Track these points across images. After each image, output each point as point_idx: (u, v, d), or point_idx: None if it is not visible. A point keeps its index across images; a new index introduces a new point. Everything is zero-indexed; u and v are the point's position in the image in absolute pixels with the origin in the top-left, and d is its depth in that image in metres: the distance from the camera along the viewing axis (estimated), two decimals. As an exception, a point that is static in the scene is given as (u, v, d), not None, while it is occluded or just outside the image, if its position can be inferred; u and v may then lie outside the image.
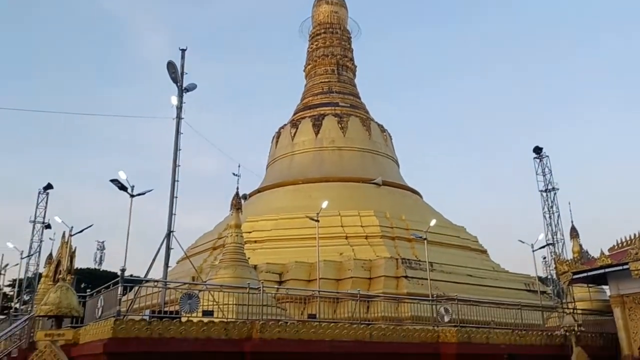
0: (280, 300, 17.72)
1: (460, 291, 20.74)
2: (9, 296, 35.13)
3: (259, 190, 32.23)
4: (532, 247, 23.22)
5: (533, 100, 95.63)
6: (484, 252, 30.93)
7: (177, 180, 15.34)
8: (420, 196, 34.12)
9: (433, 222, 23.00)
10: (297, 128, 33.28)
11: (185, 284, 15.75)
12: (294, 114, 35.30)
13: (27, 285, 29.53)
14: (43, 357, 9.76)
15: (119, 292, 11.91)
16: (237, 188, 18.28)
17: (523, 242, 23.77)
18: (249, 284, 14.28)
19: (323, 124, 32.59)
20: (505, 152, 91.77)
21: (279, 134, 34.64)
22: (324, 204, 21.23)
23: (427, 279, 20.74)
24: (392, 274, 23.32)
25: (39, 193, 29.81)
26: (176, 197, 15.23)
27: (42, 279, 21.52)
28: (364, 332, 13.84)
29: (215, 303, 13.34)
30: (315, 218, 20.60)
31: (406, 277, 23.12)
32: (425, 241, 21.24)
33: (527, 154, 36.48)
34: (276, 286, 20.23)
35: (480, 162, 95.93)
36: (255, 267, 20.53)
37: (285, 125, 34.58)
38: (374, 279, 23.28)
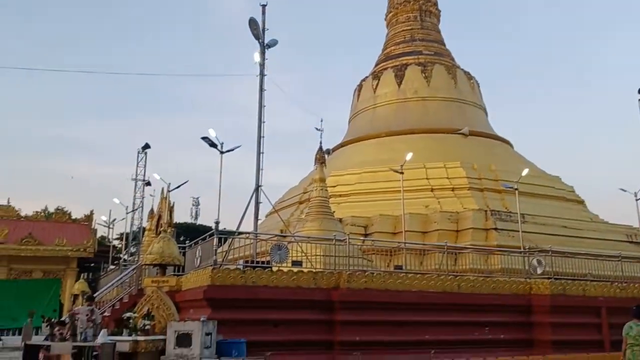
0: (366, 252, 17.96)
1: (555, 243, 19.82)
2: (117, 248, 38.45)
3: (342, 145, 32.31)
4: (636, 195, 21.70)
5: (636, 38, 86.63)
6: (581, 202, 29.22)
7: (263, 137, 15.75)
8: (511, 145, 32.58)
9: (525, 172, 21.98)
10: (378, 80, 32.63)
11: (275, 235, 16.36)
12: (376, 66, 34.58)
13: (133, 238, 32.08)
14: (151, 301, 10.68)
15: (214, 243, 12.66)
16: (320, 143, 18.46)
17: (625, 191, 22.22)
18: (335, 235, 14.59)
19: (406, 75, 31.67)
20: (603, 94, 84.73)
21: (360, 86, 34.19)
22: (409, 156, 20.93)
23: (518, 231, 20.06)
24: (481, 226, 22.76)
25: (138, 153, 31.83)
26: (262, 153, 15.69)
27: (146, 232, 23.29)
28: (452, 283, 13.77)
29: (303, 254, 13.81)
30: (400, 171, 20.40)
31: (496, 229, 22.48)
32: (517, 192, 20.40)
33: (630, 95, 33.42)
34: (362, 238, 20.47)
35: (577, 107, 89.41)
36: (340, 220, 20.85)
37: (366, 77, 34.01)
38: (461, 232, 22.87)
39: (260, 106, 15.68)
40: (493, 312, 13.96)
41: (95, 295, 18.37)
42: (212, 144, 16.35)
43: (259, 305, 11.85)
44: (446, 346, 12.88)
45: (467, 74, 33.33)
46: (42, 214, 34.85)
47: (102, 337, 8.98)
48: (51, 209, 35.24)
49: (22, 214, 31.71)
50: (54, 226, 30.09)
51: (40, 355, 9.83)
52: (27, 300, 24.21)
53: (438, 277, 13.92)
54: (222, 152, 16.62)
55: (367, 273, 13.50)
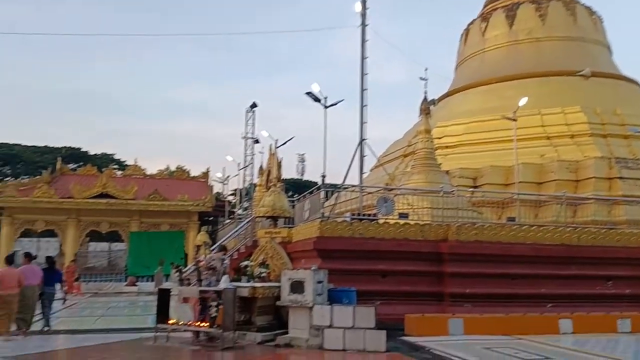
0: (476, 205, 17.43)
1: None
2: (232, 203, 40.88)
3: (447, 94, 31.08)
4: None
5: None
6: None
7: (366, 89, 15.60)
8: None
9: (657, 115, 19.77)
10: (487, 22, 30.58)
11: (381, 188, 16.39)
12: (484, 7, 32.38)
13: (246, 193, 33.89)
14: (265, 251, 11.28)
15: (321, 197, 12.98)
16: (425, 92, 17.85)
17: None
18: (442, 188, 14.28)
19: (517, 14, 29.34)
20: None
21: (467, 31, 32.31)
22: (522, 102, 19.65)
23: (647, 180, 18.30)
24: (604, 175, 21.01)
25: (247, 112, 33.17)
26: (365, 106, 15.58)
27: (257, 188, 24.45)
28: (571, 235, 12.99)
29: (409, 207, 13.72)
30: (513, 118, 19.27)
31: (621, 178, 20.64)
32: (646, 137, 18.48)
33: None
34: (470, 190, 19.85)
35: None
36: (447, 172, 20.32)
37: (474, 20, 32.02)
38: (581, 182, 21.29)
39: (362, 58, 15.47)
40: (617, 266, 13.03)
41: (213, 247, 19.80)
42: (316, 99, 16.52)
43: (367, 257, 12.05)
44: (564, 300, 12.30)
45: (588, 9, 30.12)
46: (165, 172, 37.90)
47: (224, 283, 9.70)
48: (172, 168, 38.17)
49: (148, 172, 34.70)
50: (176, 183, 32.61)
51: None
52: (157, 250, 26.73)
53: (555, 229, 13.17)
54: (325, 107, 16.75)
55: (477, 225, 13.13)
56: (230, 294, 9.40)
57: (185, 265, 22.87)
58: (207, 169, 35.34)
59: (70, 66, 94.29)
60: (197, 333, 9.91)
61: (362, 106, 15.43)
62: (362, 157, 15.31)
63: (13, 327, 10.55)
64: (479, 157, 23.56)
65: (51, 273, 12.04)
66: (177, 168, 38.87)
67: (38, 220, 27.12)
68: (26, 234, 27.46)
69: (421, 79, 17.79)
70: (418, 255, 12.28)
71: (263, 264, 10.93)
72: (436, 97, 30.45)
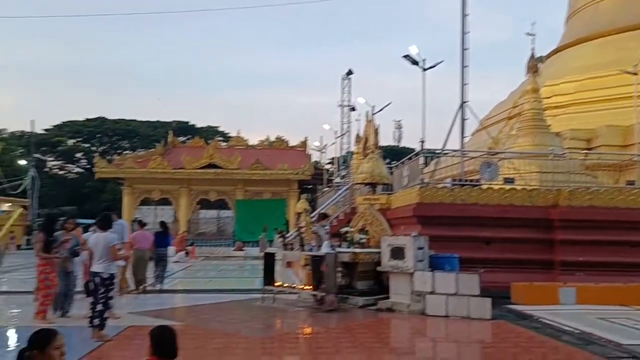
0: (590, 168, 16.21)
1: None
2: (329, 171, 41.49)
3: (557, 50, 28.79)
4: None
5: None
6: None
7: (467, 48, 14.89)
8: None
9: None
10: (602, -33, 27.71)
11: (483, 153, 15.76)
12: (599, -49, 29.29)
13: (343, 161, 34.20)
14: (364, 217, 11.38)
15: (420, 163, 12.75)
16: (532, 49, 16.69)
17: None
18: (551, 150, 13.43)
19: (639, -46, 26.25)
20: None
21: (579, -21, 29.54)
22: (644, 54, 17.77)
23: None
24: None
25: (342, 79, 33.16)
26: (467, 66, 14.90)
27: (354, 155, 24.57)
28: None
29: (516, 171, 13.08)
30: (633, 72, 17.50)
31: None
32: None
33: None
34: (584, 152, 18.46)
35: None
36: (557, 134, 19.02)
37: (587, -33, 29.15)
38: None
39: (463, 15, 14.73)
40: None
41: (313, 214, 20.29)
42: (414, 62, 16.07)
43: (469, 223, 11.73)
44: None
45: None
46: (265, 142, 39.23)
47: (326, 248, 9.96)
48: (272, 138, 39.40)
49: (250, 143, 36.10)
50: (276, 153, 33.67)
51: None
52: (260, 217, 27.96)
53: (683, 193, 11.94)
54: (424, 70, 16.26)
55: (591, 190, 12.24)
56: (331, 259, 9.65)
57: (288, 232, 23.77)
58: (305, 138, 36.07)
59: (179, 43, 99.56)
60: (311, 295, 10.30)
61: (463, 67, 14.77)
62: (463, 120, 14.76)
63: (132, 287, 11.69)
64: (593, 117, 21.77)
65: (163, 236, 13.17)
66: (276, 138, 40.07)
67: (154, 190, 29.44)
68: (145, 202, 29.93)
69: (527, 34, 16.64)
70: (525, 222, 11.73)
71: (362, 230, 11.04)
72: (544, 54, 28.39)
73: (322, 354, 6.60)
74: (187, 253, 22.99)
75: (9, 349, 6.83)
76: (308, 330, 8.23)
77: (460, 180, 13.00)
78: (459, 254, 9.85)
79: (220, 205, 30.76)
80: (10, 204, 37.11)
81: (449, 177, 15.20)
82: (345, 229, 11.27)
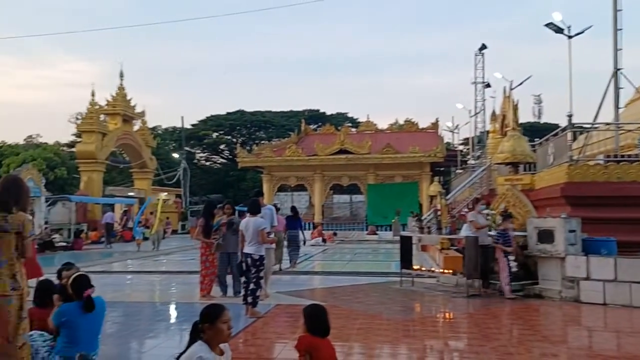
0: None
1: None
2: (463, 152, 40.04)
3: None
4: None
5: None
6: None
7: (620, 10, 13.37)
8: None
9: None
10: None
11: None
12: None
13: (477, 141, 32.79)
14: (506, 199, 10.84)
15: (568, 138, 11.77)
16: None
17: None
18: None
19: None
20: None
21: None
22: None
23: None
24: None
25: (475, 55, 31.68)
26: (620, 30, 13.40)
27: (489, 134, 23.41)
28: None
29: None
30: None
31: None
32: None
33: None
34: None
35: None
36: None
37: None
38: None
39: (614, -27, 13.22)
40: None
41: (449, 197, 19.78)
42: (558, 30, 14.79)
43: (627, 203, 10.59)
44: None
45: None
46: (394, 126, 38.97)
47: (465, 231, 9.68)
48: (400, 121, 39.01)
49: (379, 127, 36.12)
50: (406, 136, 33.29)
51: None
52: (392, 200, 27.94)
53: None
54: (569, 37, 14.91)
55: None
56: (472, 242, 9.35)
57: (422, 215, 23.48)
58: (436, 119, 35.18)
59: (307, 32, 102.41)
60: (453, 280, 10.14)
61: (616, 30, 13.29)
62: (617, 89, 13.31)
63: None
64: None
65: (294, 220, 14.04)
66: (405, 121, 39.60)
67: (290, 177, 30.83)
68: (281, 188, 31.49)
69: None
70: None
71: (505, 213, 10.52)
72: None
73: (469, 339, 6.47)
74: (324, 240, 23.85)
75: (181, 321, 7.68)
76: (450, 314, 8.10)
77: (615, 156, 11.77)
78: (615, 237, 8.97)
79: (353, 190, 31.28)
80: (166, 193, 41.34)
81: (601, 153, 13.86)
82: (486, 211, 10.83)
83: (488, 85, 31.29)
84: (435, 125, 34.72)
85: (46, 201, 22.43)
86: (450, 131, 37.44)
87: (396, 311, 8.16)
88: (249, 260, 7.59)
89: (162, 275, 13.18)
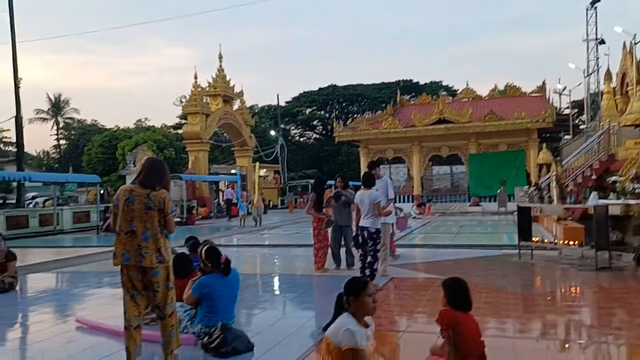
0: None
1: None
2: (574, 116, 37.21)
3: None
4: None
5: None
6: None
7: None
8: None
9: None
10: None
11: None
12: None
13: (591, 103, 30.29)
14: (637, 164, 9.88)
15: None
16: None
17: None
18: None
19: None
20: None
21: None
22: None
23: None
24: None
25: (587, 10, 29.01)
26: None
27: (604, 96, 21.48)
28: None
29: None
30: None
31: None
32: None
33: None
34: None
35: None
36: None
37: None
38: None
39: None
40: None
41: (564, 163, 18.51)
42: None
43: None
44: None
45: None
46: (495, 92, 37.01)
47: (593, 200, 8.95)
48: (500, 87, 36.94)
49: (478, 95, 34.46)
50: (509, 101, 31.46)
51: None
52: (496, 170, 26.70)
53: None
54: None
55: None
56: (601, 211, 8.64)
57: (528, 185, 22.19)
58: (543, 82, 32.84)
59: (398, 4, 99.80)
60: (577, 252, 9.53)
61: None
62: None
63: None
64: None
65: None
66: (506, 86, 37.42)
67: (387, 149, 30.39)
68: (379, 161, 31.18)
69: None
70: None
71: (637, 179, 9.61)
72: None
73: (607, 315, 5.98)
74: (421, 213, 23.55)
75: (301, 292, 7.84)
76: (581, 288, 7.56)
77: None
78: None
79: (453, 160, 30.24)
80: (264, 170, 42.70)
81: None
82: (613, 178, 9.96)
83: (602, 42, 28.61)
84: (541, 88, 32.45)
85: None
86: (559, 94, 34.87)
87: (520, 285, 7.77)
88: (365, 233, 7.54)
89: (273, 249, 13.60)
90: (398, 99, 35.10)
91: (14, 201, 25.31)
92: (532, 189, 11.92)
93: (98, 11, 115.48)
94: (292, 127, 62.04)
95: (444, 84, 60.70)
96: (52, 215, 20.06)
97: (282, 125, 53.42)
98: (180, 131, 45.79)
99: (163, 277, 4.52)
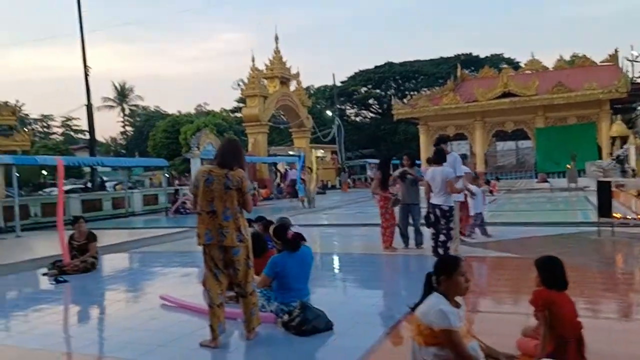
0: None
1: None
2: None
3: None
4: None
5: None
6: None
7: None
8: None
9: None
10: None
11: None
12: None
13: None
14: None
15: None
16: None
17: None
18: None
19: None
20: None
21: None
22: None
23: None
24: None
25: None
26: None
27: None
28: None
29: None
30: None
31: None
32: None
33: None
34: None
35: None
36: None
37: None
38: None
39: None
40: None
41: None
42: None
43: None
44: None
45: None
46: (562, 62, 35.11)
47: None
48: (566, 57, 34.92)
49: (544, 65, 32.82)
50: (578, 72, 29.78)
51: None
52: (565, 145, 25.39)
53: None
54: None
55: None
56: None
57: (600, 159, 21.02)
58: (615, 50, 30.82)
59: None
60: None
61: None
62: None
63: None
64: None
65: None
66: (573, 56, 35.40)
67: (449, 126, 29.54)
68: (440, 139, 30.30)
69: None
70: None
71: None
72: None
73: None
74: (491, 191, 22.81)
75: (373, 271, 7.77)
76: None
77: None
78: None
79: (518, 135, 29.04)
80: (322, 150, 42.71)
81: None
82: None
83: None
84: (613, 57, 30.45)
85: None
86: (632, 62, 32.55)
87: (605, 263, 7.35)
88: (438, 211, 7.34)
89: (336, 228, 13.57)
90: (459, 73, 33.96)
91: (90, 185, 26.59)
92: (609, 162, 11.18)
93: (154, 1, 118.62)
94: (348, 107, 61.63)
95: (506, 56, 58.27)
96: (124, 198, 20.94)
97: (338, 105, 53.12)
98: (238, 114, 46.42)
99: (244, 256, 4.56)
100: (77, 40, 24.13)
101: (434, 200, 7.38)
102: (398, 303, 5.71)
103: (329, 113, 51.35)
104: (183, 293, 6.33)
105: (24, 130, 30.15)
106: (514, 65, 46.68)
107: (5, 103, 29.74)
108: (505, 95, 27.50)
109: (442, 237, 7.30)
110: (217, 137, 25.88)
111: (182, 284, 7.32)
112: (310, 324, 4.64)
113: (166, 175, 24.75)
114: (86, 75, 24.04)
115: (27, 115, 61.66)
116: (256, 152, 30.11)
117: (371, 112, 63.04)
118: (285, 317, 4.83)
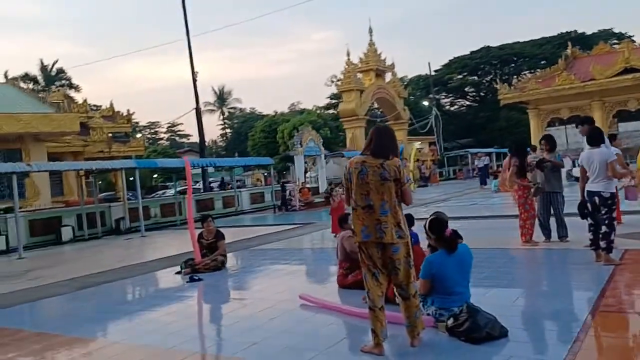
0: None
1: None
2: None
3: None
4: None
5: None
6: None
7: None
8: None
9: None
10: None
11: None
12: None
13: None
14: None
15: None
16: None
17: None
18: None
19: None
20: None
21: None
22: None
23: None
24: None
25: None
26: None
27: None
28: None
29: None
30: None
31: None
32: None
33: None
34: None
35: None
36: None
37: None
38: None
39: None
40: None
41: None
42: None
43: None
44: None
45: None
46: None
47: None
48: None
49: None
50: None
51: None
52: None
53: None
54: None
55: None
56: None
57: None
58: None
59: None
60: None
61: None
62: None
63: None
64: None
65: None
66: None
67: (562, 109, 27.29)
68: (550, 123, 28.25)
69: None
70: None
71: None
72: None
73: None
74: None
75: (514, 268, 7.06)
76: None
77: None
78: None
79: (644, 115, 26.21)
80: (419, 142, 41.55)
81: None
82: None
83: None
84: None
85: (324, 158, 24.73)
86: None
87: None
88: (597, 199, 6.44)
89: (458, 221, 12.78)
90: (569, 51, 31.29)
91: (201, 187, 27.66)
92: None
93: (246, 6, 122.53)
94: (442, 97, 59.61)
95: (615, 30, 53.35)
96: (233, 197, 21.48)
97: (432, 95, 51.49)
98: (331, 111, 46.40)
99: (404, 254, 4.12)
100: (179, 50, 25.35)
101: (592, 187, 6.49)
102: (566, 303, 5.02)
103: (425, 103, 49.92)
104: (321, 292, 6.03)
105: (138, 137, 32.14)
106: (628, 40, 42.51)
107: (118, 112, 31.85)
108: (627, 71, 24.91)
109: (604, 229, 6.40)
110: (317, 134, 25.92)
111: (316, 282, 7.06)
112: (483, 331, 4.10)
113: (264, 173, 25.08)
114: (194, 80, 24.98)
115: (137, 122, 66.14)
116: (354, 146, 29.78)
117: (467, 100, 60.57)
118: (450, 321, 4.32)
